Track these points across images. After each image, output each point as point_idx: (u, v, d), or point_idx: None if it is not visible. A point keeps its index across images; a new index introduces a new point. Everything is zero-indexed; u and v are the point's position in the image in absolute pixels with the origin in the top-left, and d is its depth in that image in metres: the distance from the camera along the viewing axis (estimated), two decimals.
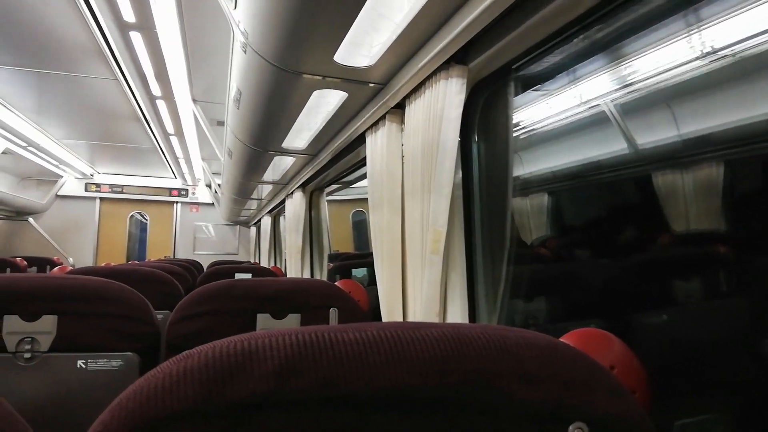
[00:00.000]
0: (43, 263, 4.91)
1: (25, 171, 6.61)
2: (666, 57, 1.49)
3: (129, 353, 1.22)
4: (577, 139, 2.24)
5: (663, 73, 1.52)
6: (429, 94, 1.28)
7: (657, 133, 1.63)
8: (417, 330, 0.43)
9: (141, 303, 1.27)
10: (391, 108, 1.55)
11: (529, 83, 1.38)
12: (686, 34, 1.41)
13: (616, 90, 1.95)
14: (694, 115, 1.48)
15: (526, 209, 2.34)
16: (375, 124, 1.70)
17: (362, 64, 1.40)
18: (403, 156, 1.51)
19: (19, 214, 7.09)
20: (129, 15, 2.23)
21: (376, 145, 1.68)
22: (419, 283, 1.37)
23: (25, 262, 4.50)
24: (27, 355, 1.13)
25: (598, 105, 2.03)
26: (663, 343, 1.34)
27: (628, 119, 1.78)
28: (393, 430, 0.39)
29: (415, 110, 1.39)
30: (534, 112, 2.30)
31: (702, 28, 1.35)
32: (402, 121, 1.51)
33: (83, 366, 1.18)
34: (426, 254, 1.32)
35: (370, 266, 2.81)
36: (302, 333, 0.41)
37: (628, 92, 1.76)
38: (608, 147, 2.05)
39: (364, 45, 1.29)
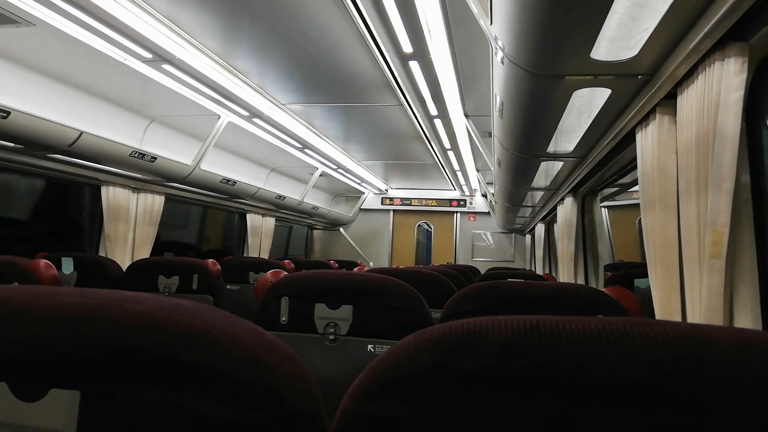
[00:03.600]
0: (349, 266, 5.86)
1: (336, 189, 8.13)
2: None
3: None
4: None
5: None
6: (702, 79, 1.14)
7: None
8: (648, 326, 0.42)
9: (417, 298, 1.44)
10: (661, 99, 1.42)
11: None
12: None
13: None
14: None
15: None
16: (644, 119, 1.57)
17: (623, 57, 1.32)
18: (676, 151, 1.36)
19: (333, 225, 8.80)
20: (407, 47, 2.58)
21: (647, 141, 1.55)
22: (698, 292, 1.21)
23: (337, 264, 5.50)
24: (331, 337, 1.41)
25: None
26: None
27: None
28: (609, 421, 0.39)
29: (687, 99, 1.25)
30: None
31: None
32: (674, 113, 1.36)
33: (372, 350, 1.40)
34: (705, 258, 1.16)
35: None
36: (525, 319, 0.44)
37: None
38: None
39: (622, 37, 1.23)
